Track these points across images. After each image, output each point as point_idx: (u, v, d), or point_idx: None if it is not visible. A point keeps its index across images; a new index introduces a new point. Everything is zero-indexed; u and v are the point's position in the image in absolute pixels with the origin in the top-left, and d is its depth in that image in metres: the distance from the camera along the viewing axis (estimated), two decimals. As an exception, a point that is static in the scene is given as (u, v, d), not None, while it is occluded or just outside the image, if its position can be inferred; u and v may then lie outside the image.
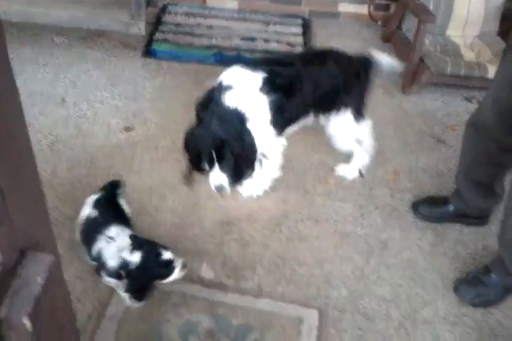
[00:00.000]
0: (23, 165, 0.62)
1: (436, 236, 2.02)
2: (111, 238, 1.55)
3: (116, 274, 1.50)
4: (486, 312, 1.75)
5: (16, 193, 0.60)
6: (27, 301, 0.58)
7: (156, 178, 2.12)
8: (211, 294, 1.69)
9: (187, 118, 2.44)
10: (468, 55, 2.94)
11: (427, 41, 2.98)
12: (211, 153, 1.73)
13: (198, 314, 1.62)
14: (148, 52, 2.91)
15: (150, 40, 3.00)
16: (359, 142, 2.15)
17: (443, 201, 2.06)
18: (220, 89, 1.78)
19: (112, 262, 1.50)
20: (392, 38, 3.25)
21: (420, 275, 1.85)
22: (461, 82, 2.78)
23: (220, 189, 1.80)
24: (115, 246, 1.53)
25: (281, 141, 2.00)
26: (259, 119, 1.82)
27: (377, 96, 2.79)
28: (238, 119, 1.75)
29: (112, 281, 1.55)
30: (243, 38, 3.13)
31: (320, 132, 2.46)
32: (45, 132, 2.28)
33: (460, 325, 1.70)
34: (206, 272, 1.76)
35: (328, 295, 1.74)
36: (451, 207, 2.03)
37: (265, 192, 2.11)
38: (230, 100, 1.75)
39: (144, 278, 1.52)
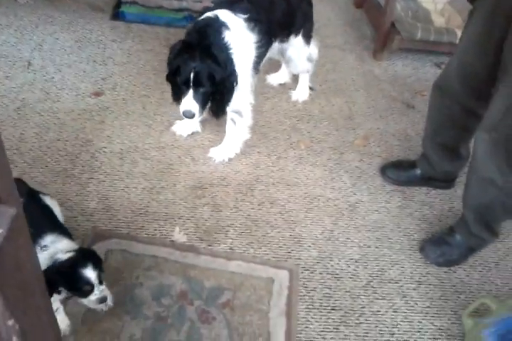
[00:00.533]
0: None
1: (404, 198, 2.07)
2: (44, 247, 1.38)
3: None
4: (450, 270, 1.83)
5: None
6: None
7: (127, 143, 2.09)
8: (183, 257, 1.71)
9: (158, 83, 2.43)
10: (439, 21, 2.95)
11: (398, 6, 2.96)
12: (189, 77, 1.72)
13: (170, 276, 1.65)
14: (117, 14, 2.82)
15: (119, 3, 2.90)
16: (310, 60, 2.36)
17: (410, 165, 2.11)
18: (217, 22, 1.79)
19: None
20: (364, 4, 3.22)
21: (388, 236, 1.91)
22: (431, 48, 2.80)
23: (188, 114, 1.79)
24: (47, 253, 1.36)
25: (251, 99, 2.01)
26: (245, 60, 1.87)
27: (348, 61, 2.81)
28: (227, 55, 1.78)
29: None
30: (214, 1, 3.04)
31: (290, 97, 2.47)
32: (11, 96, 2.21)
33: (425, 283, 1.78)
34: (178, 236, 1.78)
35: (299, 257, 1.79)
36: (418, 171, 2.08)
37: (237, 157, 2.11)
38: (224, 34, 1.78)
39: (53, 278, 1.26)
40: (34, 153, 1.98)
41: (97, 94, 2.30)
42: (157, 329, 1.50)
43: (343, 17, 3.20)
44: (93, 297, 1.35)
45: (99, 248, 1.67)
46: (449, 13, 2.96)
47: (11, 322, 0.70)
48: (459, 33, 2.64)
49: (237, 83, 1.86)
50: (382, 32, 2.82)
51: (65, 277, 1.31)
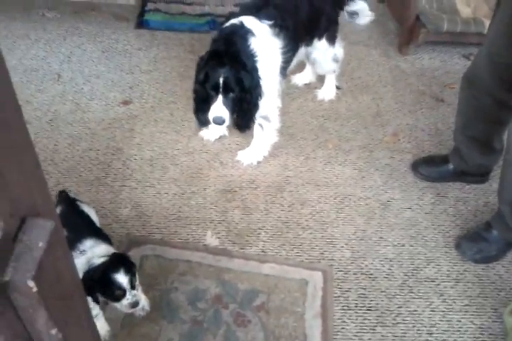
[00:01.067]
0: (15, 134, 0.63)
1: (437, 194, 2.03)
2: (83, 251, 1.42)
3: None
4: (488, 267, 1.79)
5: (12, 163, 0.61)
6: (30, 265, 0.60)
7: (156, 150, 2.13)
8: (217, 261, 1.73)
9: (184, 89, 2.46)
10: (465, 11, 2.88)
11: (423, -1, 2.91)
12: (218, 82, 1.74)
13: (204, 280, 1.67)
14: (141, 23, 2.86)
15: (142, 11, 2.95)
16: (336, 60, 2.34)
17: (442, 160, 2.07)
18: (243, 29, 1.81)
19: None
20: (388, -3, 3.17)
21: (422, 234, 1.88)
22: (458, 39, 2.73)
23: (218, 120, 1.79)
24: (85, 258, 1.40)
25: (278, 103, 2.02)
26: (271, 67, 1.89)
27: (374, 57, 2.77)
28: (253, 63, 1.79)
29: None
30: (236, 4, 3.06)
31: (316, 96, 2.46)
32: (44, 109, 2.28)
33: (463, 281, 1.74)
34: (211, 240, 1.80)
35: (332, 257, 1.78)
36: (450, 166, 2.04)
37: (265, 159, 2.12)
38: (250, 41, 1.79)
39: (88, 283, 1.30)
40: (68, 163, 2.04)
41: (126, 103, 2.35)
42: (194, 333, 1.53)
43: (366, 12, 3.16)
44: (125, 301, 1.37)
45: (134, 254, 1.71)
46: (476, 3, 2.88)
47: (54, 331, 0.73)
48: (487, 23, 2.59)
49: (261, 97, 1.87)
50: (407, 26, 2.77)
51: (98, 282, 1.34)
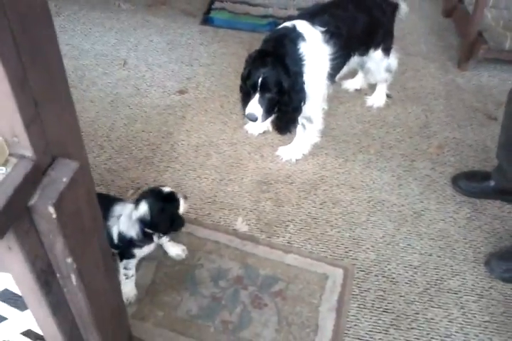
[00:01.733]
0: (55, 81, 0.73)
1: (474, 210, 2.01)
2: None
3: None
4: (516, 287, 1.75)
5: (49, 106, 0.71)
6: (53, 194, 0.70)
7: (203, 138, 2.23)
8: (243, 245, 1.80)
9: (237, 84, 2.54)
10: (535, 32, 2.81)
11: (489, 15, 2.87)
12: (257, 81, 1.81)
13: (229, 261, 1.74)
14: (206, 20, 3.00)
15: (209, 9, 3.09)
16: (389, 70, 2.37)
17: (484, 176, 2.04)
18: (294, 33, 1.87)
19: (130, 231, 1.49)
20: (453, 13, 3.14)
21: (451, 246, 1.87)
22: (522, 59, 2.67)
23: (251, 117, 1.85)
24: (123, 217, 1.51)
25: (324, 105, 2.06)
26: (318, 72, 1.94)
27: (430, 70, 2.76)
28: (299, 67, 1.85)
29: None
30: (299, 8, 3.14)
31: (365, 102, 2.49)
32: (107, 90, 2.45)
33: (487, 298, 1.71)
34: (241, 225, 1.87)
35: (356, 257, 1.80)
36: (492, 183, 2.01)
37: (305, 157, 2.17)
38: (300, 46, 1.85)
39: (163, 218, 1.48)
40: (121, 141, 2.18)
41: (181, 92, 2.48)
42: (211, 308, 1.60)
43: (430, 25, 3.15)
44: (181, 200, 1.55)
45: (168, 230, 1.81)
46: (546, 24, 2.81)
47: (69, 260, 0.83)
48: (552, 43, 2.53)
49: (304, 102, 1.91)
50: (468, 41, 2.74)
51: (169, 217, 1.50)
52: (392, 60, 2.35)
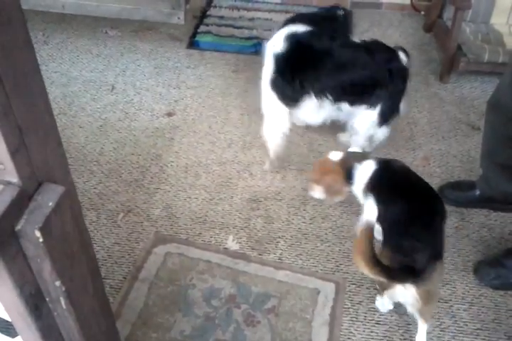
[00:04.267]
0: (39, 109, 0.77)
1: (462, 219, 2.04)
2: None
3: None
4: (506, 294, 1.77)
5: (33, 133, 0.75)
6: (39, 218, 0.73)
7: (192, 158, 2.27)
8: (235, 264, 1.82)
9: (224, 104, 2.62)
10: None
11: (467, 29, 2.95)
12: None
13: (221, 280, 1.76)
14: (192, 43, 3.08)
15: (195, 33, 3.17)
16: (371, 141, 2.17)
17: (470, 185, 2.08)
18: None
19: None
20: (433, 28, 3.23)
21: (440, 255, 1.89)
22: (500, 70, 2.72)
23: None
24: None
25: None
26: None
27: (414, 84, 2.81)
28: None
29: None
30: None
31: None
32: (96, 116, 2.50)
33: (477, 305, 1.73)
34: (232, 244, 1.89)
35: (347, 271, 1.82)
36: (477, 192, 2.05)
37: (292, 173, 2.21)
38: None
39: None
40: (111, 165, 2.21)
41: (170, 115, 2.53)
42: (205, 328, 1.61)
43: (411, 41, 3.23)
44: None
45: (160, 251, 1.83)
46: (523, 35, 2.90)
47: (58, 283, 0.85)
48: (530, 54, 2.60)
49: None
50: (449, 54, 2.82)
51: None
52: (383, 131, 2.13)
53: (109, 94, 2.64)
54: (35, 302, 0.91)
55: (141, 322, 1.61)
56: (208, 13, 3.41)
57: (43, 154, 0.80)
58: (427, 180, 2.19)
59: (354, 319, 1.67)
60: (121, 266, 1.78)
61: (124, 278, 1.74)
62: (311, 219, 2.01)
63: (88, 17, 3.18)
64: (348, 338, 1.61)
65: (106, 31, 3.14)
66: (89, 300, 1.09)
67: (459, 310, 1.71)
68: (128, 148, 2.31)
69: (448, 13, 3.08)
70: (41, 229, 0.73)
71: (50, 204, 0.75)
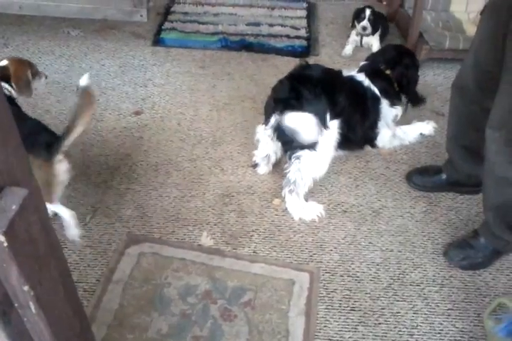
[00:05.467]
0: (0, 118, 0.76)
1: (430, 204, 2.09)
2: None
3: None
4: (475, 274, 1.82)
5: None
6: (3, 222, 0.73)
7: (162, 156, 2.26)
8: (210, 259, 1.82)
9: (192, 101, 2.61)
10: (472, 30, 2.93)
11: (428, 17, 3.01)
12: None
13: (196, 277, 1.76)
14: (157, 41, 3.05)
15: (159, 30, 3.14)
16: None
17: (436, 170, 2.13)
18: None
19: None
20: (395, 17, 3.28)
21: (411, 240, 1.93)
22: (462, 56, 2.78)
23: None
24: None
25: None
26: None
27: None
28: None
29: None
30: (248, 24, 3.23)
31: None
32: (61, 118, 2.46)
33: (448, 286, 1.78)
34: (206, 240, 1.89)
35: (321, 260, 1.85)
36: (443, 176, 2.10)
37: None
38: None
39: None
40: (79, 167, 2.18)
41: (137, 113, 2.51)
42: (182, 326, 1.61)
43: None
44: None
45: (133, 251, 1.82)
46: (480, 21, 2.96)
47: (26, 288, 0.84)
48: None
49: None
50: (411, 43, 2.87)
51: None
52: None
53: (73, 96, 2.59)
54: (3, 309, 0.90)
55: (116, 324, 1.61)
56: (172, 9, 3.38)
57: (3, 155, 0.79)
58: (394, 167, 2.26)
59: (329, 307, 1.70)
60: (94, 268, 1.77)
61: (98, 280, 1.73)
62: (283, 211, 2.03)
63: (48, 18, 3.12)
64: (325, 326, 1.64)
65: (68, 31, 3.09)
66: (60, 304, 1.08)
67: (430, 292, 1.76)
68: (96, 149, 2.29)
69: (409, 2, 3.13)
70: (5, 233, 0.72)
71: (14, 207, 0.74)
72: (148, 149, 2.30)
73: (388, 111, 2.11)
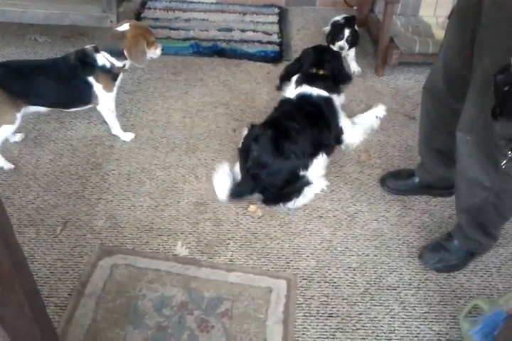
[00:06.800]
0: None
1: (404, 207, 2.10)
2: None
3: None
4: (450, 276, 1.84)
5: None
6: None
7: (134, 165, 2.22)
8: (185, 269, 1.79)
9: (165, 108, 2.58)
10: (440, 35, 2.97)
11: (398, 22, 3.05)
12: None
13: (172, 288, 1.73)
14: (128, 47, 3.00)
15: (129, 36, 3.09)
16: None
17: (409, 174, 2.14)
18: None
19: None
20: (366, 22, 3.31)
21: (386, 244, 1.94)
22: (432, 60, 2.81)
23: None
24: None
25: None
26: None
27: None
28: None
29: None
30: (220, 29, 3.22)
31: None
32: (29, 127, 2.39)
33: (424, 289, 1.79)
34: (181, 250, 1.86)
35: (297, 266, 1.84)
36: (416, 179, 2.11)
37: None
38: None
39: None
40: (48, 177, 2.13)
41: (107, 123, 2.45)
42: (157, 339, 1.58)
43: (346, 36, 3.29)
44: None
45: (106, 263, 1.78)
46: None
47: (-13, 311, 0.80)
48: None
49: None
50: (382, 47, 2.89)
51: None
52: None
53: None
54: (-35, 332, 0.86)
55: (90, 339, 1.56)
56: (143, 15, 3.34)
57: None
58: (368, 171, 2.27)
59: (307, 314, 1.68)
60: (65, 282, 1.71)
61: (70, 294, 1.68)
62: (259, 218, 2.02)
63: (14, 24, 3.04)
64: (303, 334, 1.63)
65: (35, 38, 3.02)
66: (27, 325, 1.04)
67: (406, 295, 1.76)
68: (65, 158, 2.23)
69: (379, 7, 3.16)
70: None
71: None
72: (120, 158, 2.26)
73: (338, 103, 2.33)
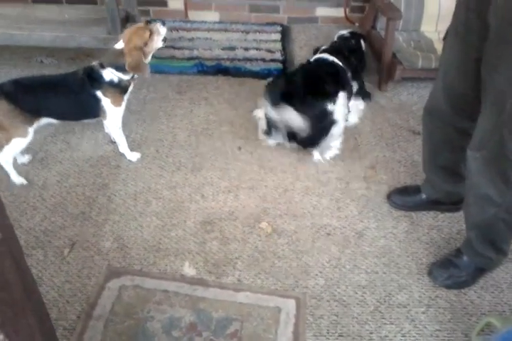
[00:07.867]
0: None
1: (411, 223, 2.09)
2: None
3: None
4: (460, 293, 1.82)
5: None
6: None
7: (140, 185, 2.23)
8: (193, 290, 1.78)
9: (170, 127, 2.59)
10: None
11: (400, 38, 3.08)
12: None
13: (180, 309, 1.72)
14: (133, 67, 3.04)
15: (134, 56, 3.13)
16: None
17: (415, 190, 2.14)
18: None
19: None
20: (368, 38, 3.34)
21: (395, 261, 1.93)
22: (434, 75, 2.83)
23: None
24: None
25: None
26: None
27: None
28: None
29: None
30: (223, 48, 3.26)
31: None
32: (36, 148, 2.41)
33: (434, 307, 1.77)
34: (188, 270, 1.85)
35: (306, 285, 1.83)
36: (423, 195, 2.11)
37: (245, 191, 2.20)
38: None
39: None
40: (55, 199, 2.13)
41: (114, 141, 2.47)
42: (167, 361, 1.56)
43: (348, 52, 3.32)
44: None
45: (114, 284, 1.77)
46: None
47: (0, 337, 0.80)
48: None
49: None
50: (385, 63, 2.92)
51: None
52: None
53: (48, 125, 2.55)
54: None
55: (99, 362, 1.55)
56: (146, 35, 3.38)
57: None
58: (374, 187, 2.26)
59: (317, 334, 1.67)
60: (73, 304, 1.71)
61: (78, 317, 1.67)
62: (266, 237, 2.01)
63: (21, 47, 3.09)
64: (313, 354, 1.61)
65: (41, 60, 3.07)
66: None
67: (417, 313, 1.74)
68: (72, 179, 2.24)
69: (381, 24, 3.20)
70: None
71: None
72: (126, 178, 2.27)
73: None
